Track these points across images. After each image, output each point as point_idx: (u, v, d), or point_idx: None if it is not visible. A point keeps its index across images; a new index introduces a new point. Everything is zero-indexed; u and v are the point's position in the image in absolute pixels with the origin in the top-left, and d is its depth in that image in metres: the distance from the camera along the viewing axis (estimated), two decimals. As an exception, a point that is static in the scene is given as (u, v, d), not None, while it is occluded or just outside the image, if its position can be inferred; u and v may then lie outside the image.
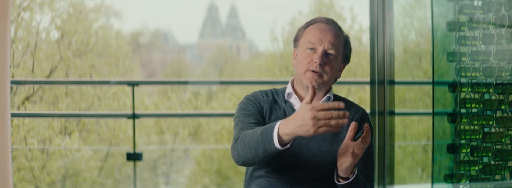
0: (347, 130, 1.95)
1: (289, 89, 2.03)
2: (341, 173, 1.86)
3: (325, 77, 1.96)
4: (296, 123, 1.62)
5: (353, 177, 1.86)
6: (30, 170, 8.55)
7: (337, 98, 2.06)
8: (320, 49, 1.95)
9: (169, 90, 12.47)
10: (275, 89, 2.08)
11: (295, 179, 1.95)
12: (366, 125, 1.80)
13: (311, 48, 1.96)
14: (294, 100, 2.02)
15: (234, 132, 1.94)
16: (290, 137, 1.66)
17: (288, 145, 1.71)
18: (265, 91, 2.06)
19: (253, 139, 1.75)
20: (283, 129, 1.66)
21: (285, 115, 2.00)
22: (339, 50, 1.98)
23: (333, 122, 1.60)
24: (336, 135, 1.98)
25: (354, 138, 1.89)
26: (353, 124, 1.78)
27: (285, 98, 2.03)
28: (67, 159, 9.26)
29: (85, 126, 9.71)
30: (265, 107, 2.01)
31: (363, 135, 1.80)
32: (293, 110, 2.00)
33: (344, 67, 2.06)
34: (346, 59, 2.04)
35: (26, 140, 8.37)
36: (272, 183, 1.97)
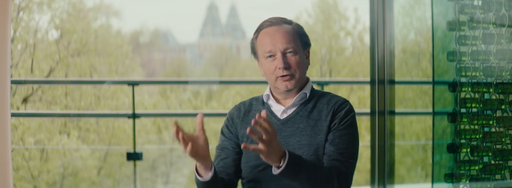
0: (325, 120, 1.97)
1: (267, 91, 2.06)
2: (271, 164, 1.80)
3: (297, 75, 1.97)
4: None
5: (284, 164, 1.77)
6: (28, 169, 8.55)
7: (315, 92, 2.04)
8: (278, 54, 1.97)
9: (169, 90, 12.47)
10: (258, 96, 2.10)
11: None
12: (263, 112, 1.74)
13: (270, 56, 1.98)
14: (271, 102, 2.04)
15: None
16: (199, 167, 1.91)
17: (206, 176, 1.89)
18: (244, 102, 2.10)
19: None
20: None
21: None
22: (295, 42, 1.98)
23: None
24: (314, 127, 1.97)
25: (331, 126, 1.96)
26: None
27: (264, 100, 2.05)
28: (66, 159, 9.27)
29: (84, 125, 9.71)
30: (237, 122, 2.05)
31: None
32: (270, 111, 2.02)
33: (309, 52, 2.05)
34: (305, 45, 2.03)
35: (23, 139, 8.37)
36: (263, 184, 1.98)
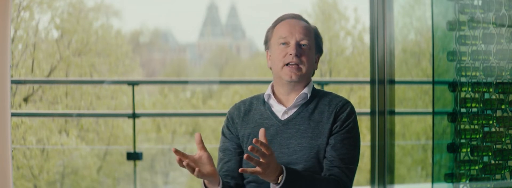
0: (326, 122, 1.96)
1: (268, 90, 2.05)
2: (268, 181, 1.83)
3: (303, 69, 1.97)
4: None
5: (282, 182, 1.80)
6: (29, 168, 8.55)
7: (316, 92, 2.04)
8: (293, 42, 1.97)
9: (169, 90, 12.48)
10: (258, 94, 2.10)
11: None
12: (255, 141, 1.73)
13: (284, 43, 1.98)
14: (272, 101, 2.03)
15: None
16: (208, 184, 1.92)
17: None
18: (244, 101, 2.09)
19: None
20: None
21: (261, 118, 2.02)
22: (311, 40, 1.99)
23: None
24: (315, 129, 1.96)
25: (333, 129, 1.94)
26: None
27: (266, 100, 2.04)
28: (66, 158, 9.27)
29: (84, 124, 9.72)
30: (237, 122, 2.04)
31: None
32: (271, 111, 2.01)
33: (319, 58, 2.06)
34: (319, 49, 2.04)
35: (25, 138, 8.38)
36: (262, 185, 1.98)
